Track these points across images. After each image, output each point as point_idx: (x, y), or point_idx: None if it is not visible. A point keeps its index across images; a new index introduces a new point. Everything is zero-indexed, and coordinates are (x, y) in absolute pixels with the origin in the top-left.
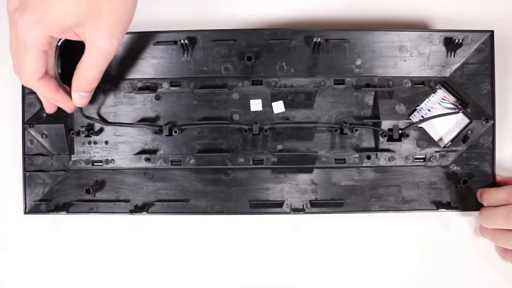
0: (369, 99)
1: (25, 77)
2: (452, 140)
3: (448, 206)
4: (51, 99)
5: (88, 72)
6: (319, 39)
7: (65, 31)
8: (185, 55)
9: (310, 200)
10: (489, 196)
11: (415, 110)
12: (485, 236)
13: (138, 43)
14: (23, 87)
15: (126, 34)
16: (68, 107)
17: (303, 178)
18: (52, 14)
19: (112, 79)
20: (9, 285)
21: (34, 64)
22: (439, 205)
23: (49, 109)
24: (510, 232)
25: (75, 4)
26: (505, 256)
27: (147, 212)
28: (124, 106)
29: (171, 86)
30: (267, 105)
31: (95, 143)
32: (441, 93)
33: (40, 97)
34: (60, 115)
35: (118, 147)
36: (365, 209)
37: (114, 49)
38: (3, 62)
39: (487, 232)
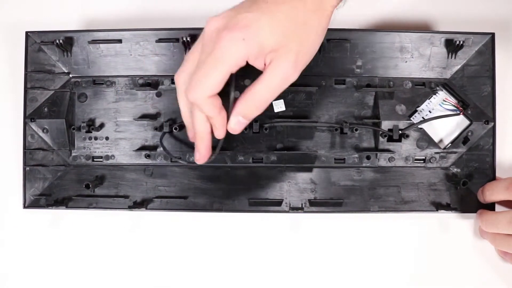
0: (370, 100)
1: (199, 90)
2: (452, 142)
3: (447, 207)
4: (212, 116)
5: (262, 96)
6: None
7: (261, 54)
8: (187, 53)
9: (309, 199)
10: (490, 187)
11: (415, 111)
12: (485, 238)
13: (140, 40)
14: (25, 82)
15: (128, 30)
16: (218, 133)
17: (302, 177)
18: (259, 35)
19: (114, 76)
20: (8, 280)
21: (217, 80)
22: (438, 206)
23: (204, 155)
24: (510, 237)
25: (279, 29)
26: (505, 257)
27: (146, 208)
28: (125, 103)
29: (173, 83)
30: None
31: (96, 138)
32: (442, 94)
33: (189, 118)
34: (60, 109)
35: (119, 143)
36: (364, 209)
37: (294, 79)
38: (5, 59)
39: (488, 235)
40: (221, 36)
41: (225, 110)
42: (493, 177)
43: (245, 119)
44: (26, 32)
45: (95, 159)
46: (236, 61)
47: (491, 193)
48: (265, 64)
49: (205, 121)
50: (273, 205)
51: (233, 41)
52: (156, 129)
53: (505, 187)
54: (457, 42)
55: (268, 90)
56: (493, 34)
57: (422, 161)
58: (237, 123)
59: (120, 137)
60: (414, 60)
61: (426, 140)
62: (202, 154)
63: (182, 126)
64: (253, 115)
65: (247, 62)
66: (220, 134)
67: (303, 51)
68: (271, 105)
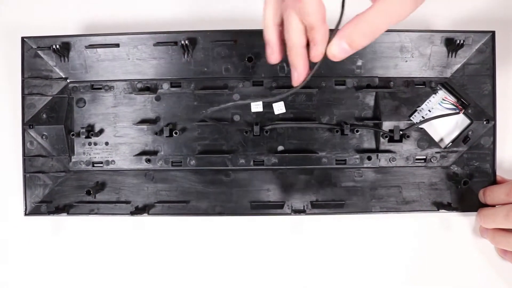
0: (370, 100)
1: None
2: (453, 141)
3: (448, 207)
4: (315, 25)
5: (372, 21)
6: None
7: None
8: (185, 56)
9: (311, 201)
10: (491, 192)
11: (415, 110)
12: (485, 237)
13: (138, 43)
14: (23, 89)
15: (126, 34)
16: (317, 49)
17: (304, 179)
18: None
19: (112, 80)
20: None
21: None
22: (439, 206)
23: (301, 72)
24: (510, 233)
25: None
26: (505, 256)
27: (148, 214)
28: (124, 107)
29: (172, 87)
30: (267, 106)
31: (95, 144)
32: (441, 93)
33: (274, 29)
34: (59, 115)
35: (119, 148)
36: (366, 210)
37: (412, 8)
38: (1, 65)
39: (487, 233)
40: None
41: (327, 25)
42: (493, 176)
43: (350, 46)
44: (22, 38)
45: (95, 165)
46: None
47: (492, 198)
48: None
49: (302, 31)
50: (275, 207)
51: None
52: (156, 133)
53: (506, 192)
54: (457, 41)
55: (382, 15)
56: (493, 33)
57: (423, 161)
58: (341, 49)
59: (120, 142)
60: (414, 60)
61: (426, 139)
62: (300, 72)
63: (182, 130)
64: (360, 43)
65: None
66: (318, 52)
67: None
68: (271, 107)
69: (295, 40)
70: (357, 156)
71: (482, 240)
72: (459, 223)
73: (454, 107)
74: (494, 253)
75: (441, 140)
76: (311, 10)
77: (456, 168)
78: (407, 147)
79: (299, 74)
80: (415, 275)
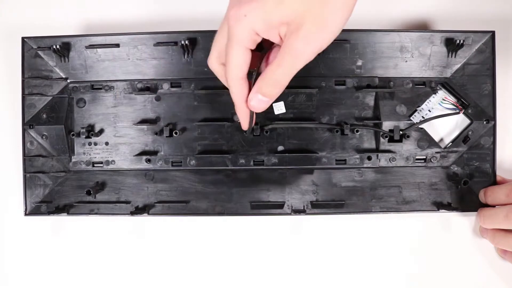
0: (370, 100)
1: (229, 73)
2: (453, 141)
3: (448, 207)
4: (238, 100)
5: (276, 75)
6: None
7: (270, 28)
8: (185, 56)
9: (311, 201)
10: (491, 192)
11: (415, 110)
12: (485, 237)
13: (138, 44)
14: (23, 89)
15: (126, 34)
16: (243, 126)
17: (304, 179)
18: (261, 9)
19: (112, 80)
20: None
21: (238, 60)
22: (439, 206)
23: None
24: (510, 234)
25: (287, 3)
26: (505, 256)
27: (148, 214)
28: (124, 107)
29: (172, 87)
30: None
31: (95, 144)
32: (441, 93)
33: (234, 100)
34: (59, 115)
35: (119, 148)
36: (366, 210)
37: (310, 56)
38: (1, 65)
39: (487, 234)
40: (229, 16)
41: (243, 89)
42: (493, 176)
43: (266, 97)
44: (23, 38)
45: (95, 165)
46: (245, 38)
47: (493, 198)
48: (281, 38)
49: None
50: (275, 207)
51: (236, 19)
52: (156, 133)
53: (506, 193)
54: (457, 41)
55: (281, 69)
56: (493, 33)
57: (423, 161)
58: (258, 101)
59: (120, 142)
60: (414, 60)
61: (426, 139)
62: (245, 122)
63: (182, 130)
64: (272, 93)
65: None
66: (244, 126)
67: (317, 27)
68: (271, 107)
69: (234, 100)
70: (357, 156)
71: (482, 240)
72: (459, 223)
73: (454, 107)
74: (494, 253)
75: (441, 140)
76: (234, 90)
77: (456, 168)
78: (407, 147)
79: (244, 123)
80: (415, 275)
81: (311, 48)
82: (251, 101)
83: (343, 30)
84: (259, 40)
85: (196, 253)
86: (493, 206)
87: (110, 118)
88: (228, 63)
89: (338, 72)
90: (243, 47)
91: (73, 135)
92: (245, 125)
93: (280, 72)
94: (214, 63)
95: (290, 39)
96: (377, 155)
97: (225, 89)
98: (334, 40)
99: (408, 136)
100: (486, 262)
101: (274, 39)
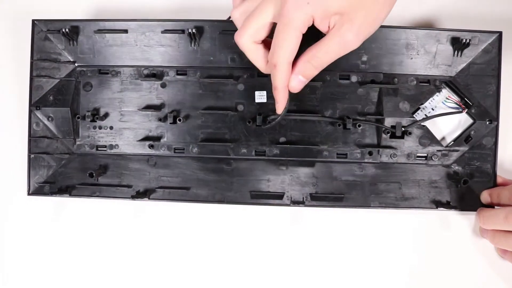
0: (374, 96)
1: (281, 56)
2: (455, 140)
3: (447, 205)
4: (281, 83)
5: (318, 58)
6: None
7: (325, 17)
8: (192, 45)
9: (310, 193)
10: (488, 217)
11: (418, 108)
12: (485, 237)
13: (146, 30)
14: (31, 70)
15: (135, 21)
16: (277, 110)
17: (304, 171)
18: None
19: (119, 66)
20: (11, 267)
21: (292, 45)
22: (438, 204)
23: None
24: (510, 234)
25: None
26: (505, 256)
27: (149, 198)
28: (129, 93)
29: (177, 74)
30: (271, 97)
31: (100, 128)
32: (445, 92)
33: (277, 83)
34: (66, 98)
35: (123, 133)
36: (365, 204)
37: (356, 46)
38: (11, 47)
39: (487, 234)
40: (287, 1)
41: (287, 91)
42: (494, 177)
43: (305, 78)
44: (33, 20)
45: (99, 148)
46: (303, 25)
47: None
48: (328, 27)
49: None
50: (275, 198)
51: (298, 5)
52: (160, 120)
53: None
54: (464, 40)
55: (327, 55)
56: (500, 33)
57: (424, 158)
58: (298, 82)
59: (124, 127)
60: (419, 57)
61: (428, 137)
62: (279, 105)
63: (186, 117)
64: (312, 75)
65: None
66: (279, 110)
67: (368, 20)
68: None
69: (278, 84)
70: (358, 150)
71: (482, 239)
72: (458, 222)
73: (457, 106)
74: (494, 252)
75: (443, 138)
76: (280, 73)
77: (456, 167)
78: (409, 144)
79: (281, 105)
80: (413, 271)
81: (360, 40)
82: (292, 81)
83: None
84: (310, 25)
85: (194, 239)
86: (493, 206)
87: (115, 103)
88: (280, 47)
89: (343, 67)
90: (300, 32)
91: (78, 118)
92: (281, 108)
93: (325, 58)
94: (247, 41)
95: (342, 29)
96: (378, 151)
97: (230, 78)
98: None
99: (410, 133)
100: (486, 262)
101: (323, 27)
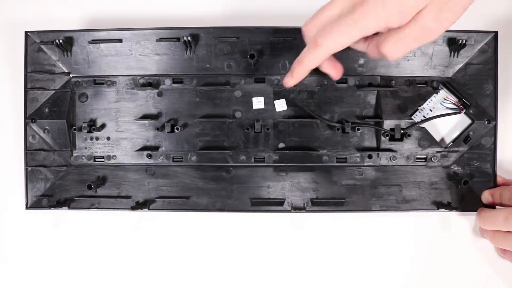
0: (372, 99)
1: (328, 44)
2: (454, 141)
3: (448, 206)
4: (312, 62)
5: (398, 47)
6: None
7: (404, 19)
8: (188, 52)
9: (311, 199)
10: (496, 193)
11: (417, 110)
12: (485, 237)
13: (141, 39)
14: (26, 83)
15: (129, 30)
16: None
17: (304, 177)
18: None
19: (114, 75)
20: (10, 281)
21: (348, 42)
22: (439, 205)
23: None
24: (510, 234)
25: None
26: (505, 256)
27: (148, 209)
28: (126, 102)
29: (174, 83)
30: (269, 103)
31: (97, 139)
32: (443, 93)
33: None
34: (61, 110)
35: (120, 143)
36: (366, 208)
37: (436, 34)
38: (5, 59)
39: (487, 234)
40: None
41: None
42: (494, 177)
43: (390, 57)
44: (26, 32)
45: (96, 159)
46: (372, 29)
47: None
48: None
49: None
50: (275, 204)
51: (375, 6)
52: (157, 129)
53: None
54: (460, 41)
55: (406, 40)
56: (496, 33)
57: (424, 160)
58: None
59: (121, 137)
60: (416, 59)
61: (427, 139)
62: (294, 78)
63: (184, 126)
64: (394, 57)
65: None
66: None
67: (449, 6)
68: (272, 105)
69: (307, 64)
70: (358, 154)
71: (482, 239)
72: (459, 222)
73: (456, 107)
74: (494, 252)
75: (442, 139)
76: (313, 56)
77: (456, 168)
78: (408, 146)
79: (291, 79)
80: (415, 274)
81: (444, 25)
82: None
83: None
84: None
85: (195, 248)
86: (494, 206)
87: (112, 113)
88: (336, 40)
89: None
90: (363, 34)
91: (75, 129)
92: (292, 83)
93: (402, 45)
94: (312, 30)
95: (422, 15)
96: (378, 154)
97: (226, 85)
98: None
99: (409, 135)
100: (486, 262)
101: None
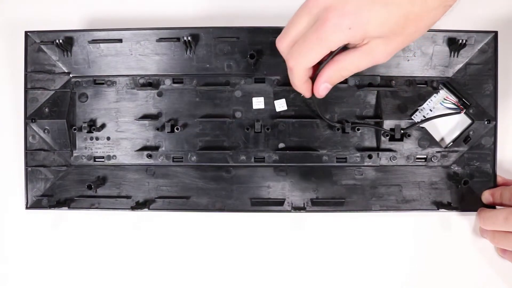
0: (372, 99)
1: (299, 62)
2: (454, 141)
3: (448, 206)
4: (297, 85)
5: (347, 70)
6: None
7: (362, 39)
8: (188, 52)
9: (311, 199)
10: (496, 193)
11: (417, 110)
12: (485, 237)
13: (141, 39)
14: (26, 83)
15: (129, 30)
16: (304, 95)
17: (304, 177)
18: (366, 25)
19: (114, 75)
20: (10, 281)
21: (316, 58)
22: (439, 205)
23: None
24: (510, 234)
25: (388, 23)
26: (504, 255)
27: (148, 209)
28: (126, 102)
29: (174, 83)
30: (269, 103)
31: (97, 139)
32: (443, 93)
33: (292, 77)
34: (61, 110)
35: (120, 143)
36: (366, 208)
37: (384, 61)
38: (5, 59)
39: (487, 234)
40: (328, 18)
41: (310, 82)
42: (494, 177)
43: (331, 85)
44: (26, 32)
45: (96, 159)
46: (337, 45)
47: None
48: (359, 43)
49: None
50: (275, 204)
51: (339, 27)
52: (157, 129)
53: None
54: (460, 41)
55: (355, 66)
56: (496, 33)
57: (424, 160)
58: (325, 88)
59: (121, 137)
60: (416, 59)
61: (427, 139)
62: (304, 93)
63: (184, 126)
64: (337, 82)
65: None
66: (306, 95)
67: (403, 44)
68: (272, 105)
69: (296, 84)
70: (358, 154)
71: (482, 239)
72: (459, 222)
73: (456, 107)
74: (494, 252)
75: (442, 139)
76: (296, 77)
77: (456, 168)
78: (408, 146)
79: (304, 94)
80: (415, 274)
81: (390, 57)
82: (319, 89)
83: None
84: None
85: (196, 248)
86: (494, 206)
87: (112, 113)
88: (303, 55)
89: None
90: (329, 50)
91: (75, 129)
92: (307, 94)
93: (354, 69)
94: (286, 47)
95: (376, 50)
96: (378, 154)
97: (226, 85)
98: None
99: (409, 135)
100: (486, 261)
101: (353, 43)
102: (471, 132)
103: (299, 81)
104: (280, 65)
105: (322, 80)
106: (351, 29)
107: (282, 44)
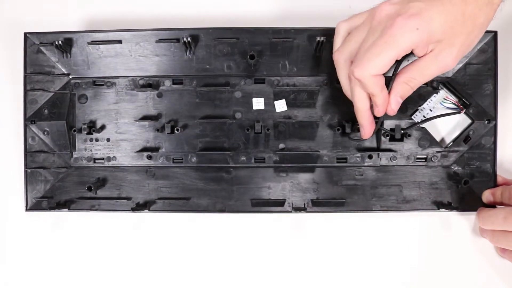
0: None
1: (367, 68)
2: (454, 141)
3: (449, 206)
4: (375, 94)
5: (415, 79)
6: (322, 38)
7: (428, 43)
8: (187, 53)
9: (311, 199)
10: (497, 192)
11: (417, 110)
12: (484, 236)
13: (140, 40)
14: (25, 84)
15: (128, 31)
16: (378, 110)
17: (304, 177)
18: (430, 25)
19: (114, 76)
20: (10, 283)
21: (386, 62)
22: (440, 205)
23: (368, 130)
24: (509, 233)
25: (448, 21)
26: (504, 255)
27: (149, 210)
28: (126, 104)
29: (173, 84)
30: (269, 104)
31: (97, 140)
32: (443, 93)
33: (357, 99)
34: (61, 111)
35: (120, 144)
36: (366, 208)
37: (450, 69)
38: (4, 60)
39: (487, 233)
40: (395, 23)
41: (386, 89)
42: (494, 176)
43: (402, 99)
44: (25, 33)
45: (96, 161)
46: (406, 48)
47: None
48: (425, 52)
49: (365, 98)
50: (276, 205)
51: (407, 28)
52: (157, 130)
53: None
54: None
55: (425, 77)
56: (495, 32)
57: (424, 160)
58: (397, 103)
59: (121, 139)
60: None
61: (427, 139)
62: (366, 129)
63: (184, 127)
64: (408, 95)
65: None
66: (380, 112)
67: (466, 45)
68: (272, 105)
69: (360, 105)
70: (358, 154)
71: (482, 239)
72: (459, 222)
73: (456, 107)
74: (494, 252)
75: (442, 139)
76: (371, 85)
77: (456, 168)
78: (408, 146)
79: (365, 130)
80: (415, 274)
81: (457, 62)
82: (392, 103)
83: None
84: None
85: (196, 249)
86: (494, 206)
87: (111, 115)
88: (375, 62)
89: None
90: (397, 56)
91: (74, 131)
92: (367, 134)
93: (423, 80)
94: (344, 61)
95: (442, 54)
96: (378, 154)
97: (226, 86)
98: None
99: (409, 135)
100: (486, 261)
101: (419, 53)
102: (471, 132)
103: (375, 90)
104: (280, 65)
105: (394, 93)
106: (419, 29)
107: (341, 56)
